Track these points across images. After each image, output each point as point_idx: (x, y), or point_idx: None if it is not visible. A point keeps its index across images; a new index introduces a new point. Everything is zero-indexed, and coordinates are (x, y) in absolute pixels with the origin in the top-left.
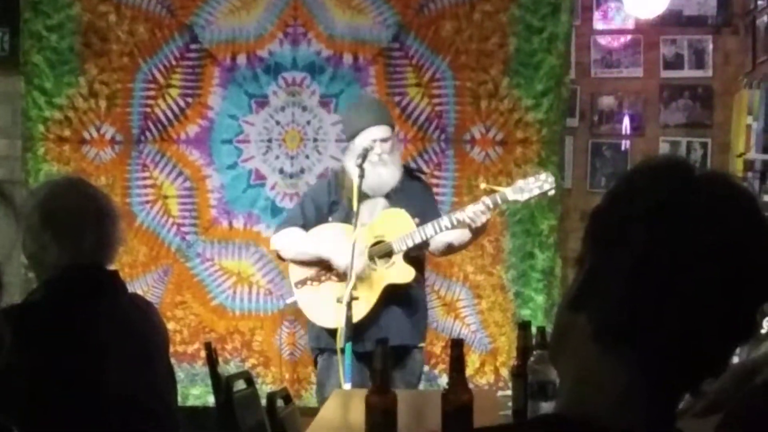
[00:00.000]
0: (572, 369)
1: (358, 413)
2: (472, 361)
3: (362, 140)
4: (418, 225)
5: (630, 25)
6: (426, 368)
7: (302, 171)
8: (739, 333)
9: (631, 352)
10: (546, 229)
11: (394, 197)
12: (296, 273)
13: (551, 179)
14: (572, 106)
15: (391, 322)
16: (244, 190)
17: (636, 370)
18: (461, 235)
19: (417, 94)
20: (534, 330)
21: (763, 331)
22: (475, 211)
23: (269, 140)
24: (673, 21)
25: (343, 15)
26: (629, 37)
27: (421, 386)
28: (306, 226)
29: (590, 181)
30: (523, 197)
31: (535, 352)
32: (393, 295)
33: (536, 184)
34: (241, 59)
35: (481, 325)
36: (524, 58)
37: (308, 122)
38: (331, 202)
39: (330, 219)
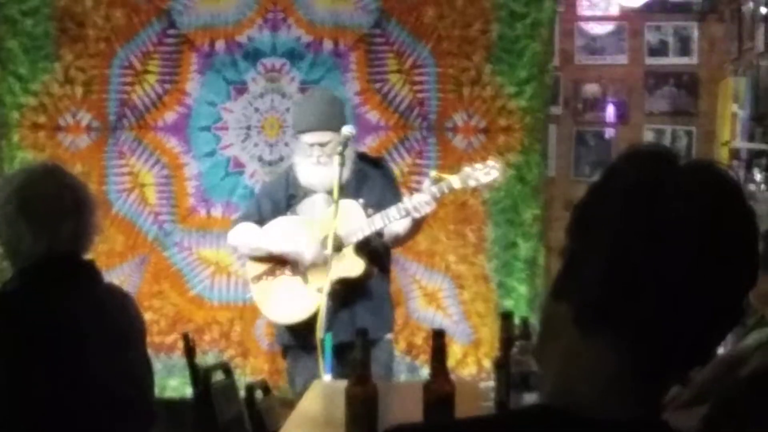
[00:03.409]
0: (556, 357)
1: (337, 404)
2: (454, 352)
3: (301, 140)
4: (371, 216)
5: (614, 11)
6: (407, 359)
7: (281, 159)
8: (723, 320)
9: (613, 336)
10: (529, 218)
11: (346, 190)
12: (252, 268)
13: (498, 166)
14: (556, 93)
15: (354, 316)
16: (223, 178)
17: (620, 356)
18: (405, 223)
19: (398, 81)
20: (517, 320)
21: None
22: (420, 202)
23: (248, 127)
24: (658, 7)
25: (324, 0)
26: (614, 23)
27: (403, 377)
28: (261, 222)
29: (574, 169)
30: (469, 185)
31: (517, 343)
32: (353, 288)
33: (483, 171)
34: (220, 45)
35: (463, 315)
36: (507, 45)
37: (288, 109)
38: (289, 196)
39: (288, 213)
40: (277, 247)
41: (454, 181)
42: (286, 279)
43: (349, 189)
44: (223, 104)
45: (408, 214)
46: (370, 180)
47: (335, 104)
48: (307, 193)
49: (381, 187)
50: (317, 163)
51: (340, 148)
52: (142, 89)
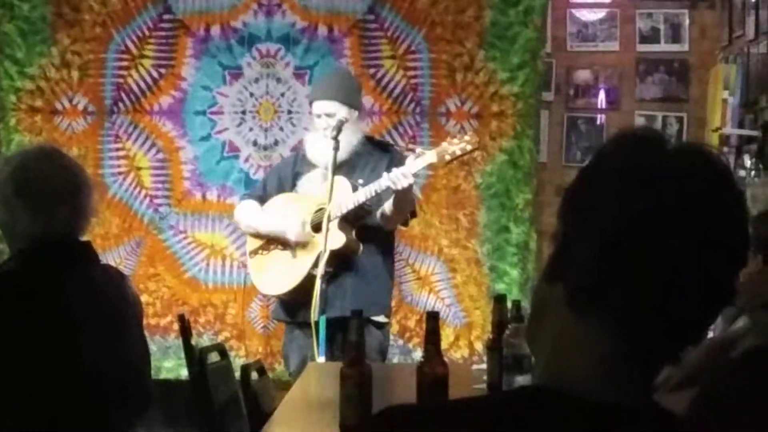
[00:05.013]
0: (549, 340)
1: (332, 386)
2: (446, 335)
3: (313, 111)
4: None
5: None
6: (400, 342)
7: (276, 143)
8: (715, 300)
9: (606, 318)
10: (521, 203)
11: (345, 169)
12: (251, 244)
13: (474, 140)
14: (548, 79)
15: (338, 293)
16: (218, 162)
17: (613, 338)
18: (389, 203)
19: (392, 67)
20: (509, 304)
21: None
22: (396, 174)
23: (243, 112)
24: None
25: None
26: (605, 10)
27: (396, 360)
28: (264, 199)
29: (565, 155)
30: (444, 159)
31: (510, 326)
32: (341, 264)
33: (459, 146)
34: (215, 30)
35: (455, 299)
36: (500, 31)
37: (282, 94)
38: (295, 174)
39: (294, 191)
40: (266, 227)
41: (431, 155)
42: (277, 253)
43: (343, 168)
44: (218, 89)
45: (386, 187)
46: (368, 161)
47: (347, 80)
48: (310, 170)
49: (378, 169)
50: (324, 137)
51: (334, 132)
52: (138, 73)
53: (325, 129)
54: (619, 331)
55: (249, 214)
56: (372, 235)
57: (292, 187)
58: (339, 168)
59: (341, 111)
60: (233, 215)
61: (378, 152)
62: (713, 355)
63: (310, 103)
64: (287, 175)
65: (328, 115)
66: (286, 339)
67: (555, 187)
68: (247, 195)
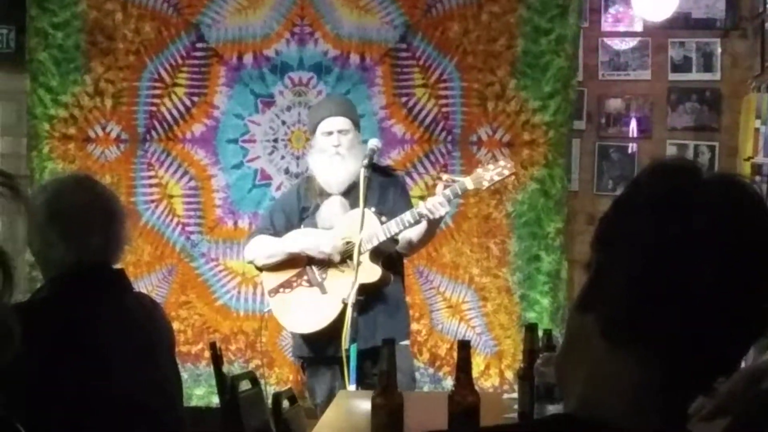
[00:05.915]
0: (582, 370)
1: (363, 414)
2: (477, 364)
3: (320, 131)
4: (385, 222)
5: (638, 27)
6: (431, 370)
7: (307, 171)
8: (749, 330)
9: (640, 348)
10: (552, 232)
11: (354, 195)
12: (269, 281)
13: (510, 164)
14: (579, 108)
15: (371, 323)
16: (250, 190)
17: (647, 368)
18: (419, 230)
19: (424, 95)
20: (540, 332)
21: None
22: (434, 204)
23: (275, 140)
24: (681, 23)
25: (351, 15)
26: (637, 39)
27: (426, 388)
28: (276, 236)
29: (597, 183)
30: (482, 185)
31: (541, 355)
32: (369, 295)
33: (495, 171)
34: (248, 58)
35: (486, 327)
36: (532, 60)
37: None
38: (302, 209)
39: (303, 225)
40: (295, 246)
41: (467, 182)
42: (303, 290)
43: (351, 194)
44: (251, 117)
45: (422, 217)
46: (373, 188)
47: (351, 102)
48: (321, 201)
49: (392, 197)
50: (335, 154)
51: (365, 161)
52: (171, 102)
53: (337, 147)
54: (651, 360)
55: (267, 244)
56: (391, 262)
57: (300, 221)
58: (347, 194)
59: (351, 129)
60: (246, 255)
61: (380, 177)
62: (745, 385)
63: (315, 124)
64: (294, 210)
65: (341, 132)
66: (310, 374)
67: (586, 215)
68: (255, 233)
